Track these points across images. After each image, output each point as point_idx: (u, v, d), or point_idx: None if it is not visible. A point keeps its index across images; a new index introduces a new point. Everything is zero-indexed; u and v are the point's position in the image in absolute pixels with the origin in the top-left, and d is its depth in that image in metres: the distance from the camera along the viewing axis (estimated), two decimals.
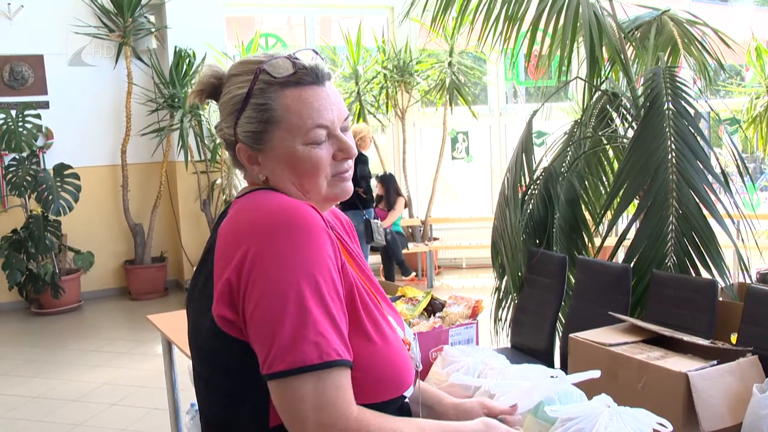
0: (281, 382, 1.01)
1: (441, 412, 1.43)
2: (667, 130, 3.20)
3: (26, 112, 6.73)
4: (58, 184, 6.67)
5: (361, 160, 6.71)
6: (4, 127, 6.64)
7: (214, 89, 1.20)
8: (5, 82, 6.89)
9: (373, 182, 7.62)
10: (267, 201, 1.11)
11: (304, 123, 1.14)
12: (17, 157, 6.66)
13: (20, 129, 6.66)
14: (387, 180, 7.44)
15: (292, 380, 1.00)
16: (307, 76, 1.15)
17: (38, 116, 6.81)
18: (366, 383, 1.09)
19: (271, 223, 1.06)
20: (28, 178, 6.59)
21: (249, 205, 1.12)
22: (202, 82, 1.20)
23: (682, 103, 3.27)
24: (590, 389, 1.62)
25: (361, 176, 6.65)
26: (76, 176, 6.75)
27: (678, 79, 3.40)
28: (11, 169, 6.62)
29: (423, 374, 1.99)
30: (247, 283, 1.04)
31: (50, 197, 6.57)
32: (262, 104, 1.14)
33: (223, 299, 1.07)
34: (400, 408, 1.20)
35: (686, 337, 2.43)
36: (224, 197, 7.29)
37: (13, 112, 6.71)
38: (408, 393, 1.20)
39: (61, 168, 6.73)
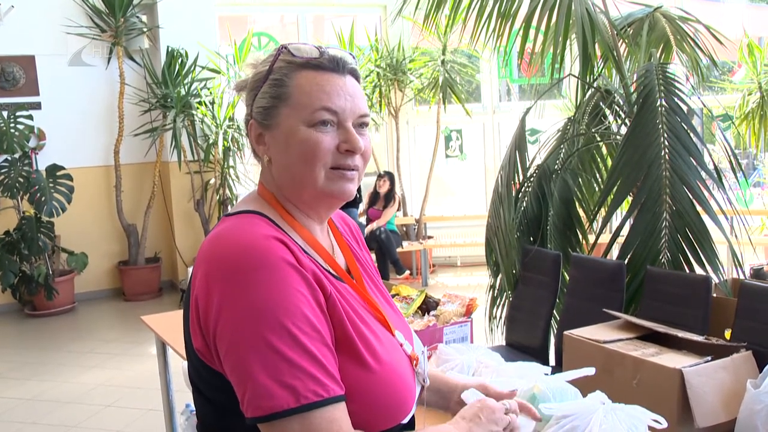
0: (265, 425, 1.00)
1: (447, 391, 1.43)
2: (660, 126, 3.20)
3: (18, 113, 6.70)
4: (51, 185, 6.64)
5: None
6: None
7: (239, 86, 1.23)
8: None
9: (366, 181, 7.64)
10: (238, 236, 1.07)
11: (311, 103, 1.13)
12: (9, 158, 6.62)
13: (12, 130, 6.62)
14: (393, 178, 7.48)
15: (275, 423, 0.99)
16: (328, 63, 1.15)
17: (30, 117, 6.78)
18: (361, 413, 1.07)
19: (237, 265, 1.03)
20: (21, 180, 6.55)
21: (223, 238, 1.08)
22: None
23: (675, 99, 3.27)
24: (585, 386, 1.62)
25: None
26: (69, 177, 6.72)
27: (670, 75, 3.41)
28: (3, 171, 6.58)
29: None
30: (215, 328, 1.03)
31: (43, 198, 6.54)
32: (277, 80, 1.14)
33: (197, 336, 1.08)
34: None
35: (680, 334, 2.43)
36: (218, 197, 7.28)
37: (5, 113, 6.66)
38: (406, 420, 1.17)
39: (53, 169, 6.69)
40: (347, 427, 1.02)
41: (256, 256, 1.03)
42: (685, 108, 3.29)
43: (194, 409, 1.22)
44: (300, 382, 0.99)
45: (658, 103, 3.26)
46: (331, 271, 1.16)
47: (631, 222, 3.29)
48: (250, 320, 1.00)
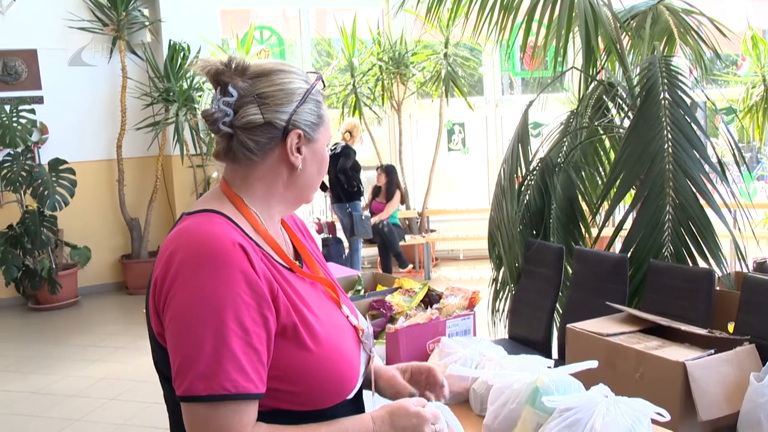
0: (183, 405, 1.13)
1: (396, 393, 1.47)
2: (663, 119, 3.19)
3: (20, 107, 6.69)
4: (54, 179, 6.64)
5: (344, 153, 6.73)
6: None
7: (217, 73, 1.24)
8: None
9: (369, 175, 7.64)
10: (207, 234, 1.17)
11: (329, 129, 1.35)
12: (12, 152, 6.62)
13: (14, 124, 6.62)
14: (391, 171, 7.48)
15: (185, 404, 1.12)
16: (325, 99, 1.35)
17: (32, 111, 6.77)
18: (307, 393, 1.20)
19: (200, 259, 1.14)
20: (23, 174, 6.56)
21: (194, 232, 1.19)
22: (211, 62, 1.25)
23: (678, 92, 3.26)
24: (588, 379, 1.62)
25: (340, 169, 6.68)
26: (72, 171, 6.72)
27: (674, 68, 3.39)
28: (6, 165, 6.58)
29: None
30: (165, 302, 1.15)
31: (46, 192, 6.54)
32: (318, 101, 1.30)
33: (156, 320, 1.19)
34: (348, 405, 1.27)
35: (684, 327, 2.43)
36: None
37: (7, 107, 6.66)
38: (351, 395, 1.27)
39: (56, 163, 6.69)
40: (248, 423, 1.13)
41: (219, 257, 1.14)
42: (688, 101, 3.28)
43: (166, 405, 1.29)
44: (213, 375, 1.10)
45: (662, 96, 3.25)
46: (283, 263, 1.26)
47: (634, 215, 3.28)
48: (193, 306, 1.12)
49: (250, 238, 1.21)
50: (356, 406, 1.31)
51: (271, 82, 1.25)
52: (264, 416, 1.16)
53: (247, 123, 1.23)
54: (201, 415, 1.11)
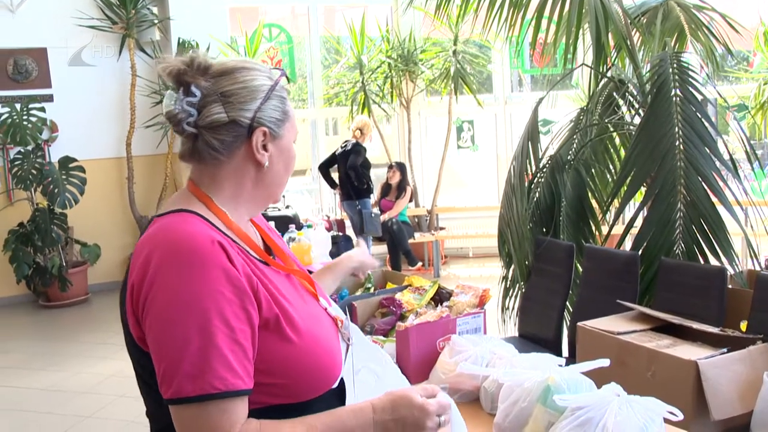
0: (170, 406, 1.11)
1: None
2: (674, 116, 3.17)
3: (30, 106, 6.72)
4: (64, 177, 6.67)
5: (354, 150, 6.72)
6: (9, 120, 6.64)
7: (179, 73, 1.23)
8: (9, 76, 6.88)
9: (378, 172, 7.63)
10: (183, 233, 1.16)
11: (295, 126, 1.35)
12: (22, 150, 6.65)
13: (25, 122, 6.66)
14: (403, 168, 7.48)
15: (175, 407, 1.10)
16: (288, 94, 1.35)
17: (42, 109, 6.80)
18: (291, 386, 1.19)
19: (179, 257, 1.13)
20: (34, 172, 6.59)
21: (170, 232, 1.17)
22: (172, 62, 1.24)
23: (690, 89, 3.24)
24: (599, 378, 1.61)
25: (350, 166, 6.67)
26: (82, 169, 6.74)
27: (685, 64, 3.37)
28: (17, 163, 6.61)
29: (430, 363, 1.98)
30: (144, 305, 1.13)
31: (56, 190, 6.57)
32: (283, 98, 1.30)
33: (135, 325, 1.17)
34: (332, 396, 1.27)
35: (696, 325, 2.41)
36: None
37: (18, 106, 6.70)
38: (335, 385, 1.27)
39: (66, 161, 6.72)
40: (239, 419, 1.11)
41: (198, 255, 1.13)
42: (699, 97, 3.25)
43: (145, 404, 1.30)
44: (201, 374, 1.08)
45: (673, 92, 3.23)
46: (258, 257, 1.26)
47: (645, 213, 3.26)
48: (174, 307, 1.10)
49: (225, 234, 1.21)
50: (340, 396, 1.30)
51: (234, 80, 1.24)
52: (249, 411, 1.15)
53: (212, 122, 1.22)
54: (191, 416, 1.09)
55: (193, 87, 1.22)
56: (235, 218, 1.27)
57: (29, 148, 6.66)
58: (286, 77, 1.33)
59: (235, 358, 1.11)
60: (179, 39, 7.05)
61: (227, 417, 1.10)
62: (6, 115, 6.66)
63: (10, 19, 6.81)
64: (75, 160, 6.74)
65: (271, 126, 1.27)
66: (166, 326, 1.10)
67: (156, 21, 7.21)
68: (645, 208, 3.28)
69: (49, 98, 6.97)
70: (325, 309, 1.36)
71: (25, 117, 6.67)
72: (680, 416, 1.46)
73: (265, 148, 1.26)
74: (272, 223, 3.06)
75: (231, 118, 1.22)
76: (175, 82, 1.24)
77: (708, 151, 3.13)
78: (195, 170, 1.29)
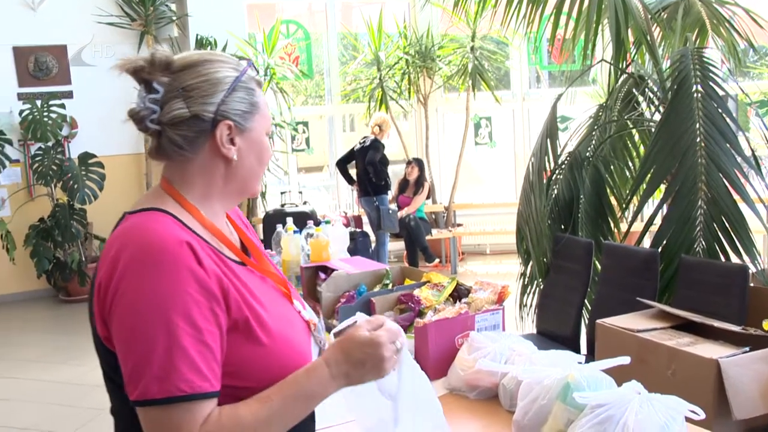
0: (137, 408, 1.09)
1: None
2: (695, 112, 3.14)
3: (51, 102, 6.79)
4: (83, 172, 6.73)
5: (373, 147, 6.72)
6: (30, 117, 6.71)
7: (140, 70, 1.23)
8: (30, 73, 6.95)
9: (396, 169, 7.63)
10: (152, 233, 1.14)
11: (268, 117, 1.30)
12: (43, 146, 6.73)
13: (45, 119, 6.73)
14: (422, 165, 7.47)
15: (141, 408, 1.09)
16: (261, 85, 1.31)
17: (62, 106, 6.87)
18: (260, 388, 1.15)
19: (145, 258, 1.11)
20: (54, 167, 6.66)
21: (137, 233, 1.15)
22: (132, 60, 1.24)
23: (711, 84, 3.20)
24: (618, 376, 1.60)
25: (369, 162, 6.66)
26: (101, 165, 6.80)
27: (707, 60, 3.33)
28: (37, 159, 6.69)
29: (448, 360, 1.97)
30: (111, 306, 1.12)
31: (75, 186, 6.63)
32: (250, 89, 1.25)
33: (101, 324, 1.17)
34: None
35: (717, 324, 2.39)
36: None
37: (39, 102, 6.77)
38: None
39: (85, 157, 6.78)
40: (200, 422, 1.09)
41: (166, 255, 1.10)
42: (721, 93, 3.21)
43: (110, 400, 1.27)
44: (167, 376, 1.06)
45: (694, 88, 3.19)
46: (232, 257, 1.24)
47: (665, 210, 3.24)
48: (141, 308, 1.08)
49: (197, 234, 1.18)
50: None
51: (196, 74, 1.21)
52: None
53: (173, 118, 1.19)
54: (157, 418, 1.08)
55: (154, 84, 1.20)
56: (210, 215, 1.25)
57: (49, 144, 6.73)
58: (254, 68, 1.28)
59: (202, 359, 1.09)
60: (197, 36, 7.08)
61: (193, 418, 1.08)
62: (27, 112, 6.73)
63: (31, 17, 6.88)
64: (94, 156, 6.79)
65: (237, 119, 1.22)
66: (132, 327, 1.09)
67: (174, 18, 7.24)
68: (665, 206, 3.25)
69: (69, 95, 7.03)
70: (299, 312, 1.33)
71: (45, 113, 6.74)
72: (702, 415, 1.45)
73: (232, 141, 1.23)
74: (289, 219, 3.10)
75: (193, 112, 1.19)
76: (137, 80, 1.22)
77: (729, 147, 3.10)
78: (166, 167, 1.27)
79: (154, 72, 1.21)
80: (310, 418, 1.28)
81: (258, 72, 1.27)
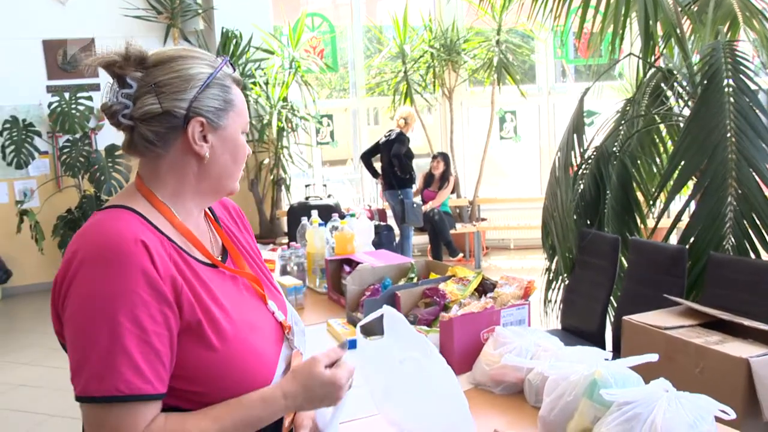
0: (80, 405, 1.10)
1: None
2: (726, 107, 3.09)
3: (78, 95, 6.88)
4: (110, 164, 6.81)
5: (398, 140, 6.71)
6: (59, 109, 6.81)
7: (113, 64, 1.23)
8: (59, 66, 7.04)
9: (420, 163, 7.61)
10: (107, 231, 1.13)
11: (244, 114, 1.28)
12: (71, 138, 6.82)
13: (73, 111, 6.81)
14: (447, 158, 7.46)
15: (82, 405, 1.10)
16: (240, 84, 1.29)
17: (90, 98, 6.94)
18: (212, 393, 1.15)
19: (97, 256, 1.10)
20: (81, 159, 6.74)
21: (93, 232, 1.14)
22: (106, 54, 1.25)
23: (743, 78, 3.15)
24: (645, 373, 1.58)
25: (394, 154, 6.66)
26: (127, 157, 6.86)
27: (738, 53, 3.27)
28: (65, 150, 6.78)
29: (474, 355, 1.96)
30: (64, 302, 1.12)
31: (102, 177, 6.71)
32: (225, 86, 1.24)
33: (55, 316, 1.17)
34: None
35: (746, 322, 2.35)
36: (272, 177, 7.35)
37: (67, 95, 6.86)
38: None
39: (112, 149, 6.86)
40: (146, 422, 1.09)
41: (118, 254, 1.09)
42: (754, 88, 3.16)
43: None
44: (106, 375, 1.06)
45: (725, 82, 3.14)
46: (200, 258, 1.23)
47: (693, 206, 3.19)
48: (88, 306, 1.08)
49: (163, 233, 1.17)
50: None
51: (169, 69, 1.20)
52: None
53: (145, 113, 1.18)
54: (96, 415, 1.08)
55: (128, 78, 1.20)
56: (182, 214, 1.24)
57: (77, 136, 6.82)
58: (230, 65, 1.27)
59: (146, 361, 1.08)
60: (223, 29, 7.11)
61: (133, 420, 1.08)
62: (56, 104, 6.82)
63: (60, 11, 6.96)
64: (120, 148, 6.85)
65: (209, 116, 1.21)
66: (79, 324, 1.09)
67: (200, 11, 7.28)
68: (693, 202, 3.21)
69: (96, 87, 7.10)
70: (273, 313, 1.31)
71: (73, 106, 6.83)
72: (732, 415, 1.42)
73: (205, 139, 1.21)
74: (314, 212, 3.10)
75: (165, 108, 1.18)
76: (111, 75, 1.23)
77: (762, 142, 3.04)
78: (140, 164, 1.26)
79: (127, 67, 1.22)
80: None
81: (235, 69, 1.25)
